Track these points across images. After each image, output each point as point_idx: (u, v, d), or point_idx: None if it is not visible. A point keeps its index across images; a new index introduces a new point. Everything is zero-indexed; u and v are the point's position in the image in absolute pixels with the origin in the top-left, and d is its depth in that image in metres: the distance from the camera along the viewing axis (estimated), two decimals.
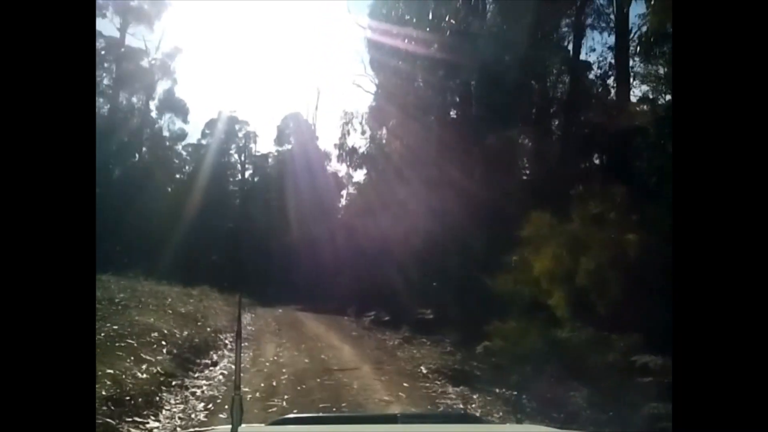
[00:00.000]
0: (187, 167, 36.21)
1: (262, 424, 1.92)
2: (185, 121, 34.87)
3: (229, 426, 1.75)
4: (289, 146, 36.52)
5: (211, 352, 9.30)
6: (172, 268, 20.67)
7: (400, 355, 10.54)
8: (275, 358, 9.51)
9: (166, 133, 35.02)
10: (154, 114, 34.21)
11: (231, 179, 38.07)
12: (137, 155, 32.06)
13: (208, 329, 11.11)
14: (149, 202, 27.09)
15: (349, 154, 27.04)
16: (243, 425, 1.87)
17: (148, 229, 25.48)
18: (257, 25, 54.86)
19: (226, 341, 10.63)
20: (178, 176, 35.37)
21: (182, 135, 35.57)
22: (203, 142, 36.83)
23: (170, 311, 11.38)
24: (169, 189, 32.51)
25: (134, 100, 32.92)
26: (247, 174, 38.90)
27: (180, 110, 34.39)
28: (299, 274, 27.48)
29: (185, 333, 9.52)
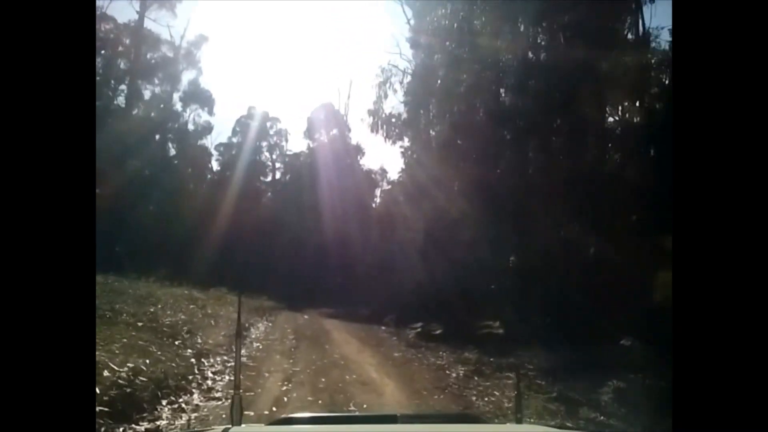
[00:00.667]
0: (217, 167, 35.25)
1: (262, 424, 1.92)
2: (211, 113, 33.55)
3: (229, 426, 1.75)
4: (321, 141, 34.81)
5: (163, 402, 5.38)
6: (191, 269, 19.76)
7: (475, 397, 6.53)
8: (272, 407, 5.65)
9: (191, 127, 33.74)
10: (178, 107, 32.70)
11: (262, 178, 36.87)
12: (165, 152, 30.94)
13: (188, 352, 7.57)
14: (177, 203, 26.03)
15: (385, 146, 26.80)
16: (243, 425, 1.87)
17: (168, 229, 24.47)
18: (284, 13, 51.79)
19: (209, 372, 7.05)
20: (209, 176, 34.38)
21: (208, 128, 34.31)
22: (234, 140, 35.65)
23: (148, 324, 8.39)
24: (199, 189, 31.33)
25: (157, 90, 31.55)
26: (278, 173, 37.58)
27: (206, 102, 32.98)
28: (332, 277, 26.18)
29: (135, 364, 5.65)
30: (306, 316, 17.62)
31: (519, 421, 2.10)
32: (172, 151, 32.34)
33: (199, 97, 32.62)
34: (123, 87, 29.09)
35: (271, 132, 36.95)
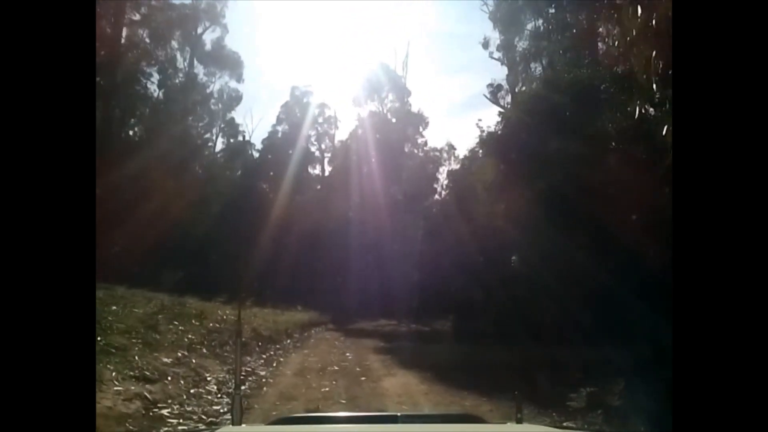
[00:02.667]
0: (260, 161, 31.16)
1: (262, 424, 1.92)
2: (240, 80, 29.85)
3: (229, 426, 1.75)
4: (373, 111, 29.70)
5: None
6: (215, 276, 17.74)
7: None
8: None
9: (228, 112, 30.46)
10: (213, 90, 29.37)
11: (309, 170, 32.37)
12: (209, 147, 28.75)
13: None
14: (218, 201, 23.71)
15: (452, 116, 22.23)
16: (243, 425, 1.87)
17: (202, 234, 21.88)
18: None
19: None
20: (249, 172, 29.86)
21: (238, 98, 30.79)
22: (278, 128, 31.88)
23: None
24: (240, 187, 27.49)
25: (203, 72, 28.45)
26: (326, 165, 33.20)
27: (234, 66, 29.25)
28: (391, 282, 21.44)
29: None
30: (348, 342, 12.28)
31: (519, 421, 2.10)
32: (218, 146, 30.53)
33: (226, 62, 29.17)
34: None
35: (320, 120, 32.28)
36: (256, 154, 31.53)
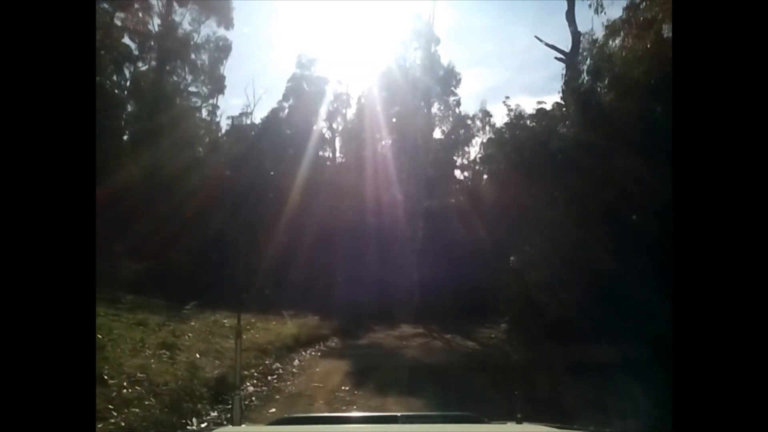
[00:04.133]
0: (258, 145, 24.84)
1: (262, 424, 1.92)
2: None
3: (229, 426, 1.75)
4: (391, 85, 24.39)
5: None
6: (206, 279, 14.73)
7: None
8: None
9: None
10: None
11: (319, 157, 25.97)
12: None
13: None
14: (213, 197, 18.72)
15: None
16: (243, 425, 1.87)
17: (193, 229, 17.44)
18: None
19: None
20: (245, 158, 23.62)
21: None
22: (280, 105, 26.27)
23: None
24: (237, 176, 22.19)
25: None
26: (338, 150, 27.59)
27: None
28: (413, 281, 18.39)
29: None
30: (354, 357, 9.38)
31: (519, 421, 2.09)
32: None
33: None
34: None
35: (330, 97, 26.37)
36: (258, 137, 25.46)
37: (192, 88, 26.55)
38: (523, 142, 12.49)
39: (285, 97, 26.89)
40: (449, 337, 13.65)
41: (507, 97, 19.29)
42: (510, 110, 14.18)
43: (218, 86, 27.13)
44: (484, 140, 23.79)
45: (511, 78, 37.90)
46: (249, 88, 37.77)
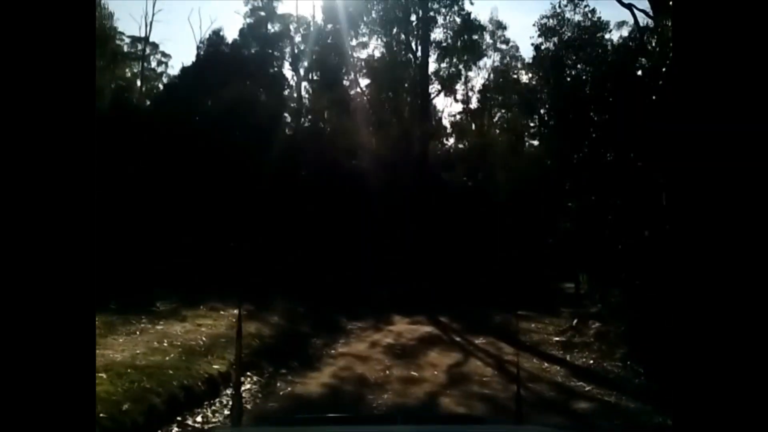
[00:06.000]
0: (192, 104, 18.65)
1: (262, 424, 1.92)
2: None
3: (229, 426, 1.75)
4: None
5: None
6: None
7: None
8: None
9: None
10: None
11: (280, 120, 19.96)
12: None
13: None
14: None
15: None
16: (243, 425, 1.87)
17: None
18: None
19: None
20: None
21: None
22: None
23: None
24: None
25: None
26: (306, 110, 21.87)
27: None
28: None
29: None
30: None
31: (519, 421, 2.10)
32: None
33: None
34: None
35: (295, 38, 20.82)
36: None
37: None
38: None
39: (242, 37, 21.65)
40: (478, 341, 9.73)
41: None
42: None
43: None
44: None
45: None
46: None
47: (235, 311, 8.64)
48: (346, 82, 21.87)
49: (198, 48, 21.79)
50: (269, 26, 22.44)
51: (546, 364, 7.86)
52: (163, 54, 26.82)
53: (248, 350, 6.50)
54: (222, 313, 9.30)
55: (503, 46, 23.83)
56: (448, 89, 22.30)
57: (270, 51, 21.73)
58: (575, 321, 10.79)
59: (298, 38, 22.77)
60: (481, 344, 9.53)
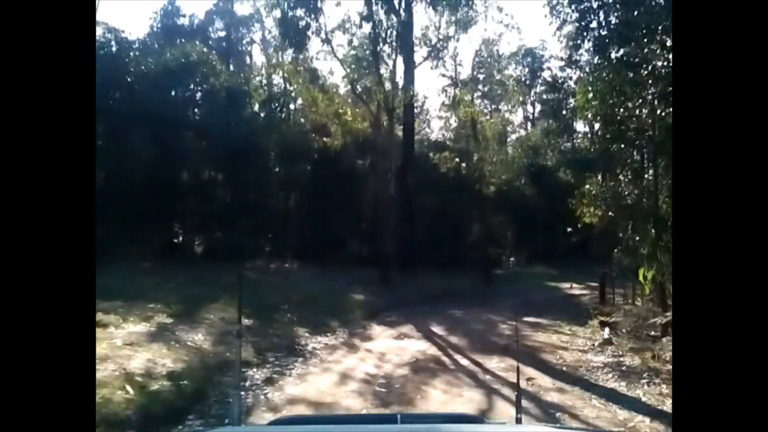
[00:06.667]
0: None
1: (262, 424, 1.92)
2: None
3: (229, 426, 1.75)
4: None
5: None
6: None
7: None
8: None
9: None
10: None
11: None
12: None
13: None
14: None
15: None
16: (243, 425, 1.87)
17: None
18: None
19: None
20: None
21: None
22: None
23: None
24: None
25: None
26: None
27: None
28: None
29: None
30: None
31: (519, 421, 2.10)
32: None
33: None
34: None
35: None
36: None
37: None
38: None
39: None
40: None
41: None
42: None
43: None
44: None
45: None
46: None
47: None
48: (317, 47, 19.36)
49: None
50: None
51: (615, 408, 5.37)
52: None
53: (108, 412, 4.09)
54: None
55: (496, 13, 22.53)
56: (435, 56, 20.20)
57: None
58: (606, 332, 9.25)
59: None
60: (499, 370, 6.82)
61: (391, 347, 8.51)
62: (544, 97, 29.41)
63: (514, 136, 31.34)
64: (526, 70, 31.13)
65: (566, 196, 12.29)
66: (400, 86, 18.32)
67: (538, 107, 33.13)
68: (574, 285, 18.26)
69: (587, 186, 10.80)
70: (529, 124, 33.93)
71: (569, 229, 14.79)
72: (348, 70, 18.09)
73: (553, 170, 24.94)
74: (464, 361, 7.56)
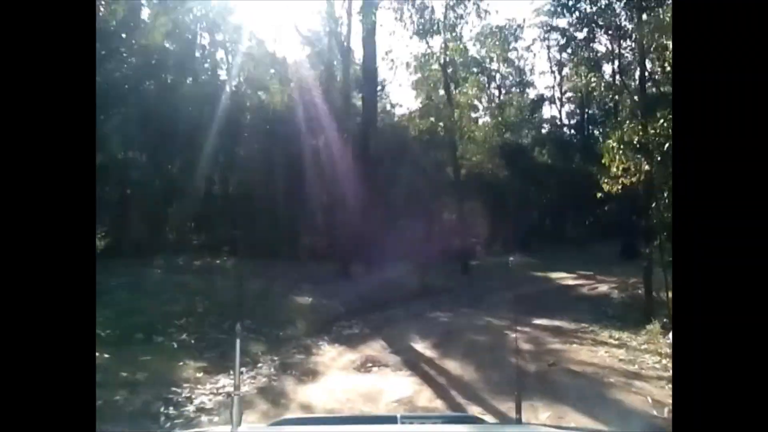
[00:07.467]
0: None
1: (262, 424, 1.92)
2: None
3: (229, 426, 1.75)
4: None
5: None
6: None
7: None
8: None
9: None
10: None
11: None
12: None
13: None
14: None
15: None
16: (243, 425, 1.86)
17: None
18: None
19: None
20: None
21: None
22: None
23: None
24: None
25: None
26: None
27: None
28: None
29: None
30: None
31: (519, 421, 2.09)
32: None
33: None
34: None
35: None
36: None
37: None
38: None
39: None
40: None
41: None
42: None
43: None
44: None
45: None
46: None
47: None
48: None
49: None
50: None
51: None
52: None
53: None
54: None
55: None
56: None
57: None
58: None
59: None
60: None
61: (352, 395, 5.15)
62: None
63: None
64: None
65: (542, 178, 11.29)
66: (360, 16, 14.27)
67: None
68: (565, 275, 16.18)
69: (617, 133, 8.65)
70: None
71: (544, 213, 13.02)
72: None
73: (530, 149, 22.30)
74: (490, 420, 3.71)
